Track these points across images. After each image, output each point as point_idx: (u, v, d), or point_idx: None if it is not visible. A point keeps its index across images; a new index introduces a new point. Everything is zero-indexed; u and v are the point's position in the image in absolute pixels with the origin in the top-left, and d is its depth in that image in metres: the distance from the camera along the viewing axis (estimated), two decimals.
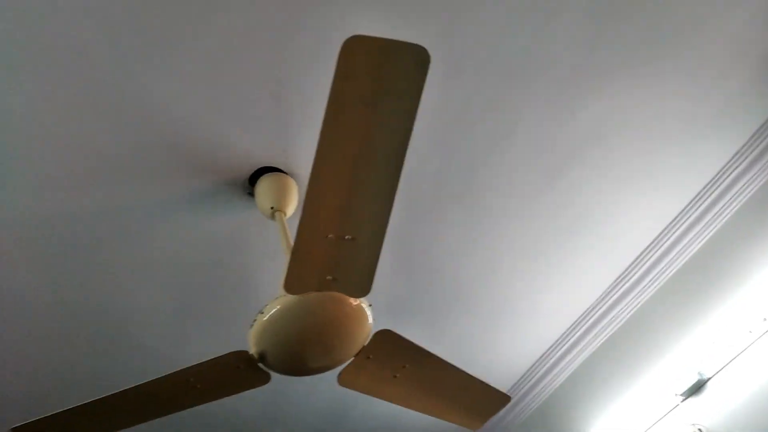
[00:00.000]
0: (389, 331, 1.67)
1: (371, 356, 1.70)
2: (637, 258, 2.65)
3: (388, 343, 1.69)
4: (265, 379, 1.65)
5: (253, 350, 1.56)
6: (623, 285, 2.71)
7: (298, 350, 1.56)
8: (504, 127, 2.04)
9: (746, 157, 2.41)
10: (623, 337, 2.77)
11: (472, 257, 2.44)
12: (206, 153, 1.84)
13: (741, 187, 2.45)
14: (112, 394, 1.59)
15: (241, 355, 1.56)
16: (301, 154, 1.91)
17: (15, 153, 1.73)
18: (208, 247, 2.08)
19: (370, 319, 1.61)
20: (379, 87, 1.18)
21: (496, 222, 2.35)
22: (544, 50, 1.85)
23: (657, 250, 2.61)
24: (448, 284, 2.51)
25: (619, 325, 2.78)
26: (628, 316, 2.75)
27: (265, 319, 1.52)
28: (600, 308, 2.78)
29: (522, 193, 2.28)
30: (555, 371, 2.98)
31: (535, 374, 3.04)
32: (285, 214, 1.88)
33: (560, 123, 2.07)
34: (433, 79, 1.75)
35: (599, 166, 2.27)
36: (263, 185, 1.91)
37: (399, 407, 3.01)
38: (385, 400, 1.86)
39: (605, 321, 2.79)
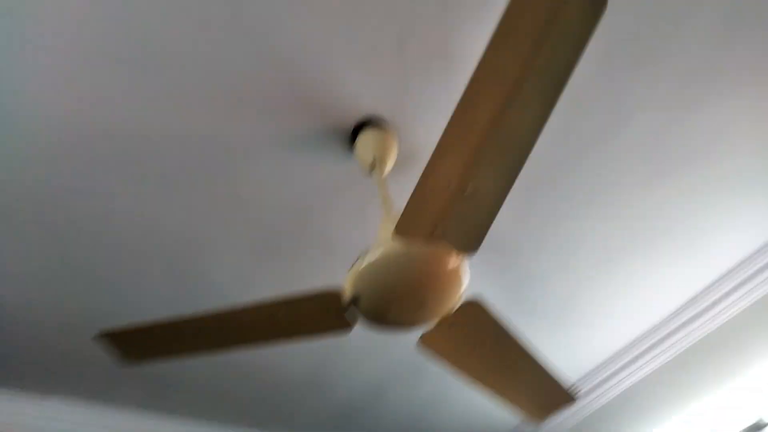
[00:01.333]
0: (480, 302, 1.62)
1: (456, 323, 1.66)
2: (716, 281, 2.57)
3: (476, 313, 1.65)
4: (348, 327, 1.62)
5: (348, 292, 1.53)
6: (697, 306, 2.63)
7: (394, 299, 1.52)
8: (619, 117, 1.98)
9: None
10: (687, 360, 2.69)
11: (551, 247, 2.38)
12: (316, 94, 1.81)
13: None
14: (198, 315, 1.57)
15: (335, 295, 1.53)
16: (412, 110, 1.88)
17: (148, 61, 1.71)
18: (297, 193, 2.06)
19: (467, 282, 1.57)
20: (550, 28, 1.14)
21: (583, 216, 2.29)
22: (677, 38, 1.79)
23: (739, 276, 2.54)
24: (521, 271, 2.45)
25: (684, 348, 2.70)
26: (695, 339, 2.67)
27: (369, 261, 1.49)
28: (669, 326, 2.70)
29: (616, 193, 2.23)
30: (610, 383, 2.90)
31: (591, 382, 2.96)
32: (384, 170, 1.86)
33: (674, 121, 2.01)
34: None
35: (704, 178, 2.21)
36: (366, 137, 1.88)
37: (435, 396, 3.00)
38: (458, 372, 1.81)
39: (671, 340, 2.72)
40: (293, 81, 1.76)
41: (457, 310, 1.61)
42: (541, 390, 1.89)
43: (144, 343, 1.63)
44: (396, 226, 1.43)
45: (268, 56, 1.70)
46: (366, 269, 1.49)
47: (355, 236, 2.19)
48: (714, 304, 2.62)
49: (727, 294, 2.60)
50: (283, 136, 1.91)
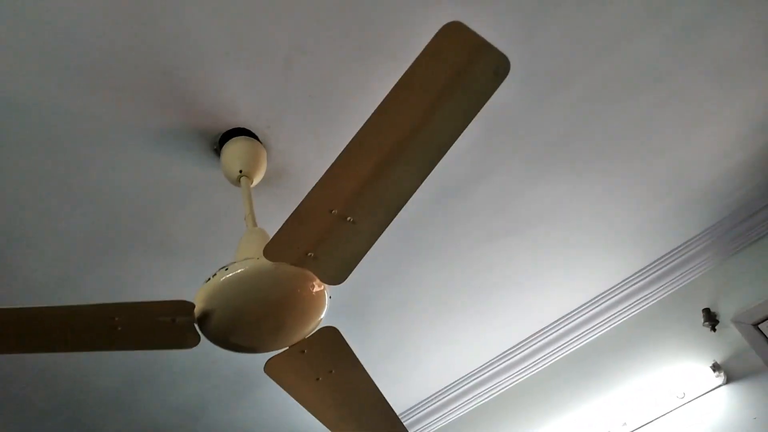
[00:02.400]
0: (336, 329, 1.61)
1: (306, 350, 1.61)
2: (530, 336, 2.83)
3: (329, 341, 1.62)
4: (194, 342, 1.50)
5: (198, 306, 1.42)
6: (514, 356, 2.86)
7: (250, 319, 1.44)
8: (479, 173, 2.12)
9: (648, 276, 2.72)
10: (497, 406, 2.90)
11: (394, 287, 2.45)
12: (190, 92, 1.69)
13: (635, 301, 2.75)
14: (16, 308, 1.35)
15: (183, 308, 1.41)
16: (287, 129, 1.84)
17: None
18: (147, 188, 1.87)
19: (326, 310, 1.54)
20: (456, 80, 1.19)
21: (428, 262, 2.40)
22: (539, 116, 1.98)
23: (553, 333, 2.82)
24: (364, 305, 2.48)
25: (494, 395, 2.93)
26: (504, 388, 2.91)
27: (228, 276, 1.40)
28: (485, 372, 2.91)
29: (461, 245, 2.36)
30: (424, 423, 3.03)
31: (408, 418, 3.06)
32: (251, 182, 1.78)
33: (524, 187, 2.20)
34: None
35: (536, 242, 2.43)
36: (236, 146, 1.79)
37: (254, 424, 2.89)
38: (298, 401, 1.76)
39: (485, 386, 2.93)
40: (168, 72, 1.64)
41: (312, 336, 1.58)
42: (376, 423, 1.91)
43: None
44: (268, 245, 1.37)
45: (148, 40, 1.56)
46: (226, 283, 1.40)
47: (206, 246, 2.07)
48: (526, 357, 2.87)
49: (539, 349, 2.87)
50: (143, 126, 1.75)
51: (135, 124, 1.74)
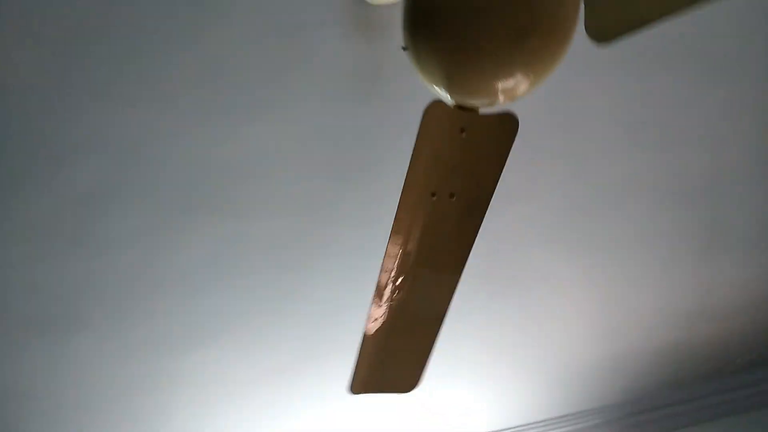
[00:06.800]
0: (517, 121, 1.06)
1: (466, 132, 1.05)
2: None
3: (497, 138, 1.08)
4: None
5: None
6: None
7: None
8: None
9: None
10: None
11: None
12: None
13: None
14: None
15: None
16: None
17: None
18: None
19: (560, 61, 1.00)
20: None
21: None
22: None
23: None
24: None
25: None
26: None
27: None
28: None
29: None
30: None
31: None
32: None
33: None
34: None
35: None
36: None
37: None
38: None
39: None
40: None
41: (491, 116, 1.04)
42: (401, 358, 1.27)
43: None
44: None
45: None
46: None
47: None
48: None
49: None
50: None
51: None
